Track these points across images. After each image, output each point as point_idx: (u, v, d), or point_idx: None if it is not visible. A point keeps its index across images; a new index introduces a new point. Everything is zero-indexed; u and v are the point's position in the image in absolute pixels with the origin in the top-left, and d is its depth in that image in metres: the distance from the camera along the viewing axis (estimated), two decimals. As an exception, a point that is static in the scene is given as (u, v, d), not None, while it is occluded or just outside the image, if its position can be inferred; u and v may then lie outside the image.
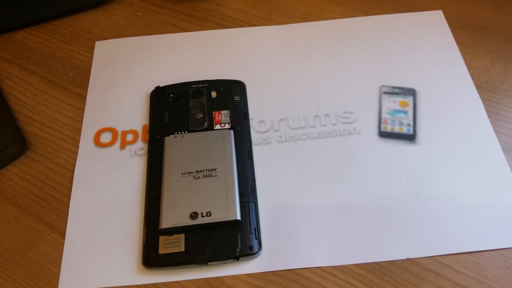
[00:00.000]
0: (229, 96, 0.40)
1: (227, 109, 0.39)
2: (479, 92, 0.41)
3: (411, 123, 0.39)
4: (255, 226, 0.33)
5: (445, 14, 0.47)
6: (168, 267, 0.32)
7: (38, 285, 0.33)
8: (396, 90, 0.41)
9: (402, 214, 0.35)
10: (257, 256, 0.33)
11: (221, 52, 0.45)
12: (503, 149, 0.38)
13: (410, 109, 0.40)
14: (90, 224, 0.35)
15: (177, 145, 0.37)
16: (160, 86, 0.41)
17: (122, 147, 0.39)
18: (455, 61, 0.43)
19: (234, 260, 0.32)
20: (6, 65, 0.45)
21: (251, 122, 0.40)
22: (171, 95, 0.40)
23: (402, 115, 0.40)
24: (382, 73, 0.42)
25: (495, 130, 0.39)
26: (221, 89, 0.40)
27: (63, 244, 0.34)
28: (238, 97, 0.40)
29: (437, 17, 0.46)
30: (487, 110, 0.40)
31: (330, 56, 0.44)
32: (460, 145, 0.38)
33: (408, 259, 0.33)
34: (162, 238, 0.33)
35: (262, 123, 0.40)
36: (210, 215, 0.33)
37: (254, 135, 0.39)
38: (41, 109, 0.42)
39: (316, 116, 0.40)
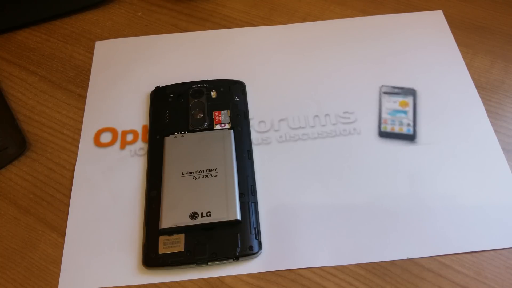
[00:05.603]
0: (229, 96, 0.40)
1: (227, 109, 0.39)
2: (479, 92, 0.41)
3: (411, 123, 0.39)
4: (255, 226, 0.33)
5: (445, 14, 0.47)
6: (168, 267, 0.32)
7: (38, 285, 0.33)
8: (396, 90, 0.41)
9: (402, 214, 0.35)
10: (257, 256, 0.33)
11: (221, 52, 0.45)
12: (503, 149, 0.38)
13: (410, 109, 0.40)
14: (90, 224, 0.35)
15: (177, 145, 0.37)
16: (160, 86, 0.41)
17: (122, 147, 0.39)
18: (455, 61, 0.43)
19: (234, 260, 0.32)
20: (6, 65, 0.45)
21: (251, 122, 0.40)
22: (171, 95, 0.40)
23: (402, 115, 0.40)
24: (382, 73, 0.42)
25: (495, 130, 0.39)
26: (221, 89, 0.40)
27: (63, 244, 0.34)
28: (238, 97, 0.40)
29: (437, 17, 0.46)
30: (487, 110, 0.40)
31: (330, 56, 0.44)
32: (460, 145, 0.38)
33: (408, 259, 0.33)
34: (162, 238, 0.33)
35: (262, 123, 0.40)
36: (210, 215, 0.33)
37: (254, 135, 0.39)
38: (41, 109, 0.42)
39: (316, 116, 0.40)
